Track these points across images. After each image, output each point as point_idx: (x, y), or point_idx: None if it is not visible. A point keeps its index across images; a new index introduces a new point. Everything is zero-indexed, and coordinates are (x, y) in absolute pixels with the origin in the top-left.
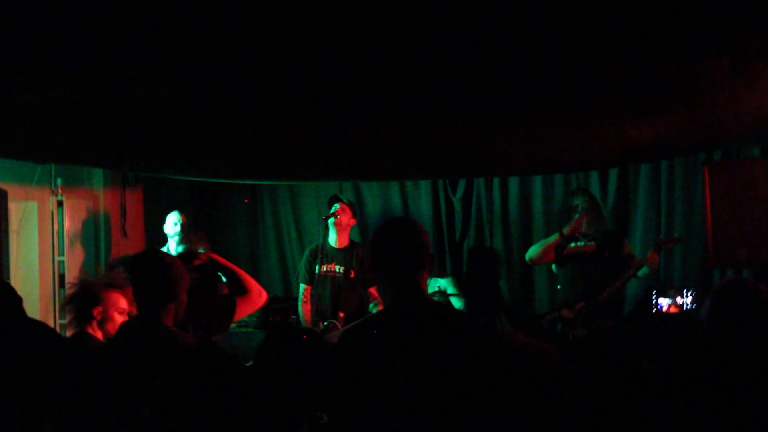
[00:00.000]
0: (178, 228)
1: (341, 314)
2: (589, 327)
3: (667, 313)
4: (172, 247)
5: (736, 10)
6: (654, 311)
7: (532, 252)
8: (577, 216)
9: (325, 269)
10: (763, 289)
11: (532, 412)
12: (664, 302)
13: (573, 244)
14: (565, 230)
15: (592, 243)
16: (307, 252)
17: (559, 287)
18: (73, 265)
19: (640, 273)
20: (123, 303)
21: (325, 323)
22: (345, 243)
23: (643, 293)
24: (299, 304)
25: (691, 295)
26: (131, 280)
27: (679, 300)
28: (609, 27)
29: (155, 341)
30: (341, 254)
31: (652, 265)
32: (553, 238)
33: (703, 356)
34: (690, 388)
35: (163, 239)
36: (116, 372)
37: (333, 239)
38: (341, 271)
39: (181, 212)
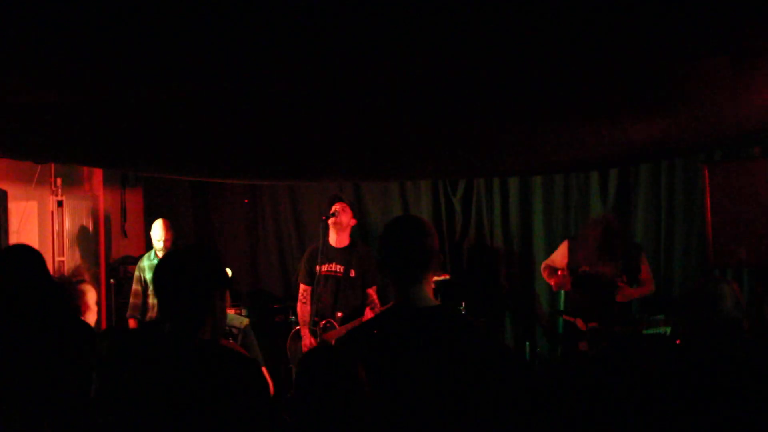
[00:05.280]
0: (162, 241)
1: (339, 314)
2: (601, 341)
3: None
4: (160, 253)
5: (736, 10)
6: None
7: (547, 263)
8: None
9: (325, 269)
10: (734, 287)
11: (529, 413)
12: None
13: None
14: (573, 235)
15: (610, 264)
16: (307, 252)
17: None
18: (73, 265)
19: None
20: (94, 295)
21: (324, 323)
22: (345, 242)
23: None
24: (297, 303)
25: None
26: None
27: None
28: (609, 26)
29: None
30: (341, 254)
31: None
32: (562, 244)
33: (678, 363)
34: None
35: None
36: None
37: (333, 239)
38: (341, 271)
39: (165, 220)
